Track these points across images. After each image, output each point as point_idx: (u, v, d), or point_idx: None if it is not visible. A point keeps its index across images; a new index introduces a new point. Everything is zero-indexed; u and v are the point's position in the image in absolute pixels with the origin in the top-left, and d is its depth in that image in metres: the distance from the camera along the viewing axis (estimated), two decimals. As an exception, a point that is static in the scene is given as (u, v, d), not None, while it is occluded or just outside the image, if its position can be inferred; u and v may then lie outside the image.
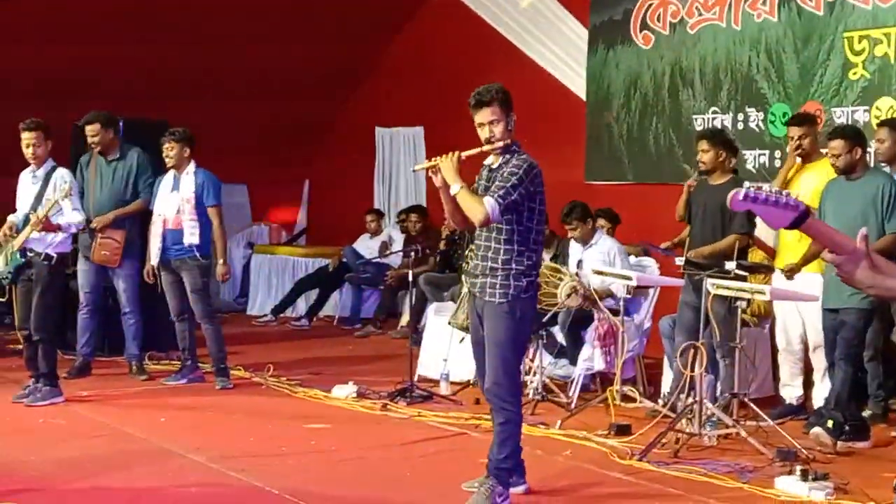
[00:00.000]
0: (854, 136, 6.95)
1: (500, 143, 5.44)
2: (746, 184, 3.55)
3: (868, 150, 7.29)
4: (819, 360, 7.38)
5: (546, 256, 8.97)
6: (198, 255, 8.44)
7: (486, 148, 5.49)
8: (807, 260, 7.13)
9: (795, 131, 7.51)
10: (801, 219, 2.90)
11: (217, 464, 6.16)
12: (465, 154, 5.47)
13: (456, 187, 5.36)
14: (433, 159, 5.48)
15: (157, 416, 7.47)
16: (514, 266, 5.41)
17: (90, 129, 8.80)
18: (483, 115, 5.44)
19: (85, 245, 8.78)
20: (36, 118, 8.03)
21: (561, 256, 8.87)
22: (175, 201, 8.43)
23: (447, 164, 5.38)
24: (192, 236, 8.39)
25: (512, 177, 5.35)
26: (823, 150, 7.31)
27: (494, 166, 5.53)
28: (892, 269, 2.96)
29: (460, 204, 5.41)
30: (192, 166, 8.48)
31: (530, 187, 5.39)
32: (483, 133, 5.47)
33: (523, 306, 5.45)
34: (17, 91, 10.54)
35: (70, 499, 5.26)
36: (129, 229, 8.81)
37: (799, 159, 7.57)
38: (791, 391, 7.62)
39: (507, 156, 5.47)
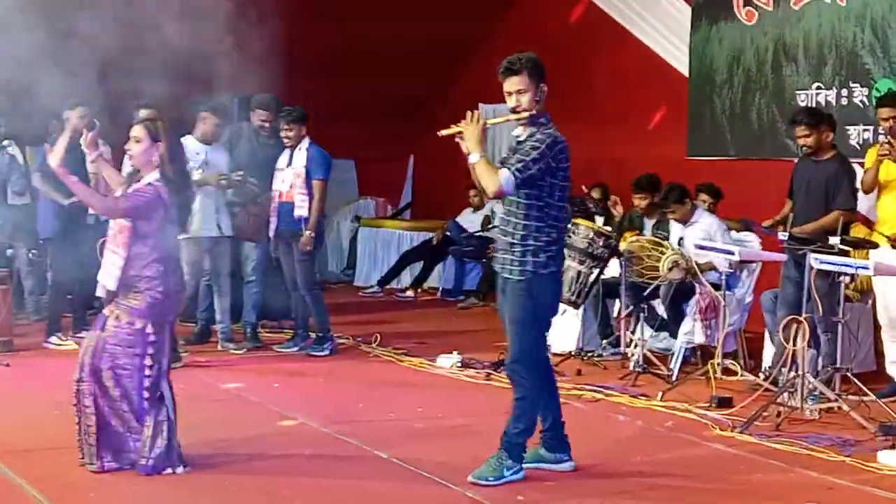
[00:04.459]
0: None
1: (526, 113, 5.28)
2: None
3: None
4: None
5: (648, 223, 9.08)
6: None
7: (511, 117, 5.35)
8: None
9: (887, 112, 7.35)
10: None
11: (328, 428, 6.40)
12: (490, 121, 5.37)
13: (475, 156, 5.20)
14: (458, 124, 5.28)
15: (271, 381, 7.76)
16: (531, 242, 5.29)
17: (266, 115, 9.10)
18: (511, 84, 5.29)
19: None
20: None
21: (664, 225, 8.93)
22: (289, 176, 8.69)
23: (471, 131, 5.21)
24: (301, 209, 8.63)
25: (533, 150, 5.19)
26: None
27: (521, 138, 5.37)
28: None
29: (477, 174, 5.26)
30: (305, 142, 8.74)
31: (552, 162, 5.22)
32: (510, 102, 5.33)
33: (541, 283, 5.33)
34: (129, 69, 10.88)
35: (193, 461, 5.52)
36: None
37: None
38: (899, 368, 7.51)
39: (533, 128, 5.32)
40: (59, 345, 8.74)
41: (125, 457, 5.42)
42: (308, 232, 8.59)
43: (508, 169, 5.21)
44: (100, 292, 5.62)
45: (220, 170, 8.71)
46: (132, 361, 5.38)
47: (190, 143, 8.64)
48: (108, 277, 5.44)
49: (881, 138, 7.59)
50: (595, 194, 10.52)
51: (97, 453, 5.37)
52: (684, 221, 8.53)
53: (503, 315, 5.54)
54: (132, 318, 5.38)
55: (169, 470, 5.40)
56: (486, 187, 5.26)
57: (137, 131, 5.50)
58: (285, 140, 8.77)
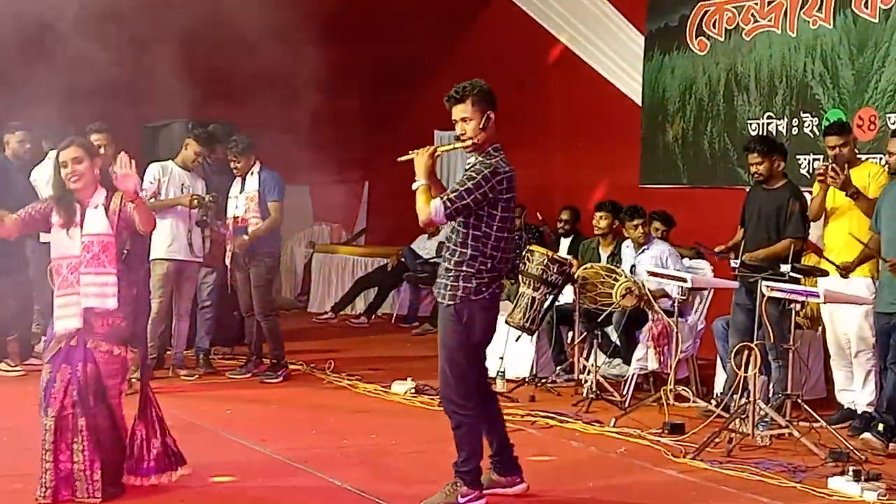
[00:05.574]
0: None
1: (469, 142, 5.31)
2: None
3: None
4: (860, 365, 7.34)
5: (604, 254, 9.13)
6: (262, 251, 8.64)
7: (457, 145, 5.38)
8: (861, 260, 7.15)
9: (833, 140, 7.40)
10: None
11: (281, 455, 6.34)
12: (440, 149, 5.45)
13: (417, 183, 5.28)
14: (412, 153, 5.39)
15: (223, 408, 7.70)
16: (464, 268, 5.27)
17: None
18: (456, 112, 5.33)
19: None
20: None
21: (618, 255, 8.98)
22: (242, 201, 8.68)
23: (419, 159, 5.32)
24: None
25: (468, 181, 5.21)
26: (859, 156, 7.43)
27: (468, 166, 5.42)
28: None
29: (416, 200, 5.31)
30: (256, 167, 8.74)
31: (490, 193, 5.21)
32: (457, 129, 5.36)
33: (472, 310, 5.28)
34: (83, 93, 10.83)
35: (140, 489, 5.44)
36: None
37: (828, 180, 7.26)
38: (848, 396, 7.52)
39: (481, 157, 5.34)
40: (8, 371, 8.62)
41: (121, 485, 5.38)
42: (245, 237, 8.56)
43: (441, 198, 5.22)
44: (75, 324, 5.27)
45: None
46: (120, 387, 5.36)
47: (171, 168, 8.65)
48: (102, 299, 5.23)
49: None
50: (565, 216, 10.53)
51: (101, 486, 5.23)
52: (642, 242, 8.59)
53: None
54: (111, 345, 5.29)
55: (169, 473, 5.46)
56: (419, 215, 5.30)
57: (77, 151, 5.32)
58: (234, 170, 8.76)
